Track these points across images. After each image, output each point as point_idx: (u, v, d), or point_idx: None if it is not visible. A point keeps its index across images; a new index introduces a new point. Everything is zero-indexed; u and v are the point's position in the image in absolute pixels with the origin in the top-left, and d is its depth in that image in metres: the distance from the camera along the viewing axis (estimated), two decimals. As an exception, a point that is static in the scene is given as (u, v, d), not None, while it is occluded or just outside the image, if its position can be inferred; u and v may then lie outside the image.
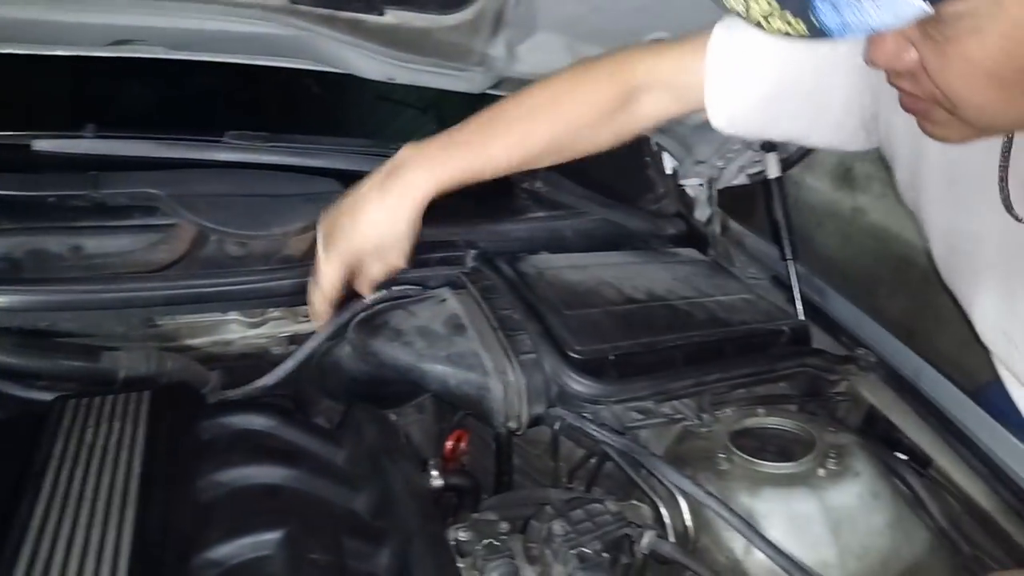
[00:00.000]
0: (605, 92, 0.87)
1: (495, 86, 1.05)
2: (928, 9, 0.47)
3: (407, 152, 0.87)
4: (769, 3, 0.52)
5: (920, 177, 0.83)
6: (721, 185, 1.41)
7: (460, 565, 0.70)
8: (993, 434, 0.96)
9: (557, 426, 0.98)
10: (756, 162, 1.31)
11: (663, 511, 0.85)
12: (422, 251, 1.11)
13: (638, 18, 0.98)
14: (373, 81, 1.07)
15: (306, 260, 1.04)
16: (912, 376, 1.07)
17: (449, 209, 1.23)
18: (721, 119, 0.86)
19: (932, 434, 0.99)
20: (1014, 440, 0.95)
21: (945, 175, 0.79)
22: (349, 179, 1.12)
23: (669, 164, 1.49)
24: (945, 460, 0.97)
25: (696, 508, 0.89)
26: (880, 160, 1.93)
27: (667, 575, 0.85)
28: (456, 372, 0.91)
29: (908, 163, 0.83)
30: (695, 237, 1.43)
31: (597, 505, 0.76)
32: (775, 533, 0.84)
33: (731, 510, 0.80)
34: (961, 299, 0.86)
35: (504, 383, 0.87)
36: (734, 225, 1.46)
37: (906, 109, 0.63)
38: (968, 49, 0.52)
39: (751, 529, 0.79)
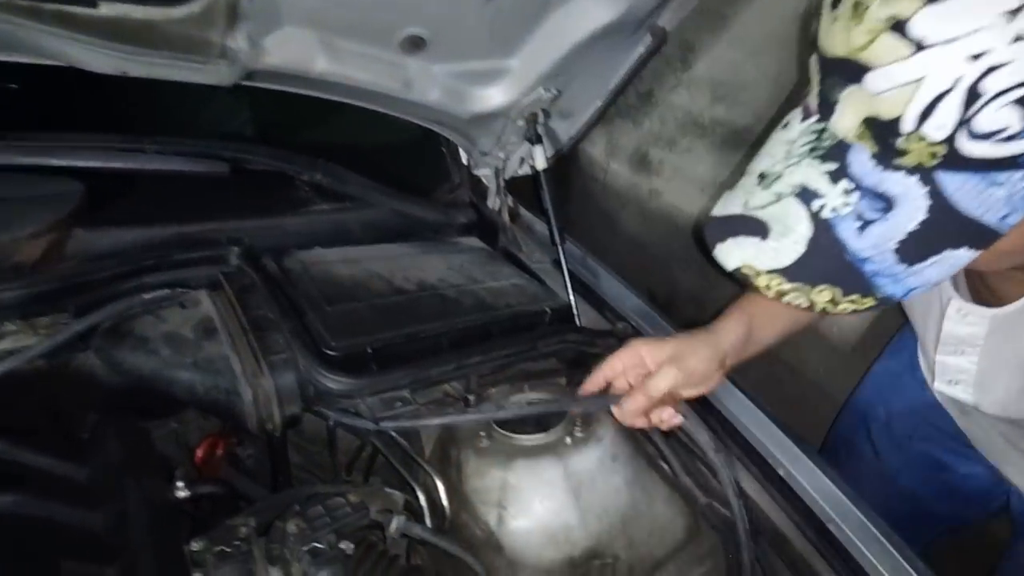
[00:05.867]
0: None
1: (248, 78, 1.02)
2: (972, 254, 0.52)
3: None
4: (831, 293, 0.54)
5: None
6: (507, 175, 1.47)
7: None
8: (727, 392, 1.09)
9: (331, 421, 0.99)
10: (534, 152, 1.38)
11: (420, 494, 0.89)
12: (182, 249, 1.07)
13: (388, 12, 0.99)
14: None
15: (40, 267, 0.97)
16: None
17: (214, 203, 1.20)
18: None
19: (677, 396, 1.10)
20: (740, 395, 1.08)
21: None
22: (92, 177, 1.06)
23: (464, 155, 1.53)
24: (688, 419, 1.09)
25: (454, 488, 0.94)
26: (669, 145, 2.09)
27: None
28: (204, 378, 0.89)
29: None
30: (486, 225, 1.48)
31: (338, 499, 0.78)
32: (525, 501, 0.91)
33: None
34: None
35: (254, 387, 0.87)
36: (524, 212, 1.53)
37: None
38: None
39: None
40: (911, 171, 0.51)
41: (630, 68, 1.22)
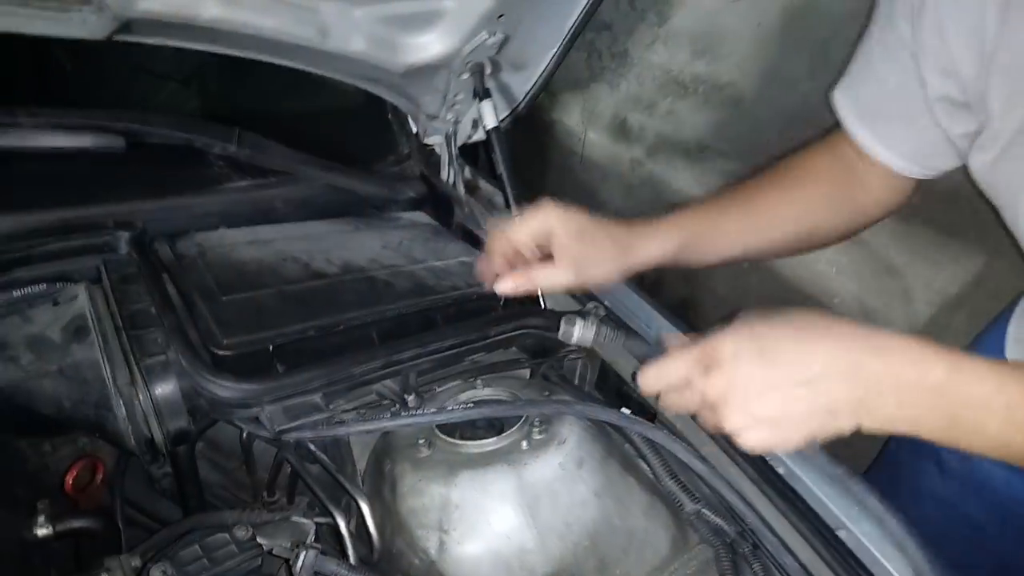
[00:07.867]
0: None
1: (125, 29, 0.85)
2: None
3: None
4: None
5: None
6: (461, 142, 1.30)
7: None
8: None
9: (244, 433, 0.83)
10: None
11: (339, 520, 0.73)
12: (61, 237, 0.90)
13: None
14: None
15: None
16: (643, 325, 1.02)
17: (106, 183, 1.03)
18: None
19: (657, 384, 0.94)
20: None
21: None
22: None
23: (413, 122, 1.36)
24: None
25: (389, 510, 0.77)
26: (649, 109, 1.91)
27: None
28: (71, 390, 0.72)
29: None
30: (440, 200, 1.31)
31: (221, 535, 0.62)
32: (470, 522, 0.75)
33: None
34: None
35: (127, 398, 0.70)
36: (484, 184, 1.36)
37: None
38: None
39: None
40: None
41: (586, 6, 1.05)
